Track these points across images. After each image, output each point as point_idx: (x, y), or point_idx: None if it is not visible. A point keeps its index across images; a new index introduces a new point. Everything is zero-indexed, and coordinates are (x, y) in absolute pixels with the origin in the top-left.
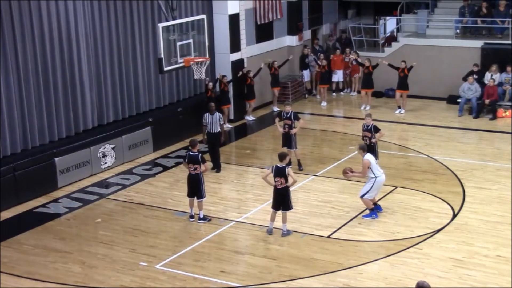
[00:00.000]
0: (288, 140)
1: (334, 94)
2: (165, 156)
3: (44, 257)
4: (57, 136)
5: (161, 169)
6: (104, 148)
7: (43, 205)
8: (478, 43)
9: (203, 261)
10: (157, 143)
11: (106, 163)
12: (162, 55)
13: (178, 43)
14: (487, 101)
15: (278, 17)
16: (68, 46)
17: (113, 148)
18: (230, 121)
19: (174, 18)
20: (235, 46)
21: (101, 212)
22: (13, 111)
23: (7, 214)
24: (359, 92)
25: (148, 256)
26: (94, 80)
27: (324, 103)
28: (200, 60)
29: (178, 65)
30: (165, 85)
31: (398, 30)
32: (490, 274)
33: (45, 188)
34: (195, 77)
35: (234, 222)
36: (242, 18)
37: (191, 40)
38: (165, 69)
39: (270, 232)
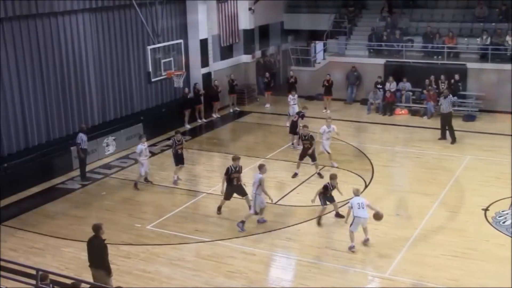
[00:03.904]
0: (311, 155)
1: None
2: (153, 145)
3: (64, 221)
4: (72, 130)
5: (150, 154)
6: (107, 139)
7: (63, 182)
8: (382, 61)
9: (182, 223)
10: (147, 135)
11: (109, 150)
12: (150, 70)
13: (162, 61)
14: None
15: (236, 41)
16: (80, 62)
17: (114, 139)
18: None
19: (159, 42)
20: (204, 62)
21: (106, 187)
22: (38, 112)
23: (36, 189)
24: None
25: (141, 220)
26: (99, 88)
27: (267, 105)
28: (178, 73)
29: (162, 77)
30: (153, 92)
31: (324, 51)
32: (391, 228)
33: (63, 170)
34: (175, 85)
35: (205, 194)
36: (210, 41)
37: (172, 58)
38: (153, 80)
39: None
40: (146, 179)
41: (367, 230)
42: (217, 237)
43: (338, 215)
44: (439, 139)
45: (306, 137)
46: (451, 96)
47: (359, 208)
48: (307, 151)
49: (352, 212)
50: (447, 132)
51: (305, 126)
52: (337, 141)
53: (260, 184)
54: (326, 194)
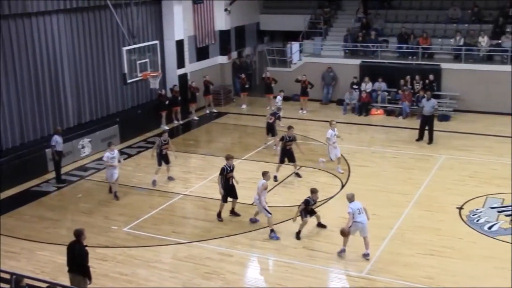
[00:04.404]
0: (291, 156)
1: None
2: (129, 147)
3: (39, 224)
4: (47, 132)
5: (126, 156)
6: (83, 141)
7: (37, 185)
8: (357, 61)
9: (159, 225)
10: (123, 136)
11: (84, 152)
12: (126, 71)
13: (138, 62)
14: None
15: (213, 42)
16: (54, 64)
17: (89, 141)
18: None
19: (134, 43)
20: (180, 63)
21: (82, 190)
22: (12, 114)
23: (11, 192)
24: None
25: (118, 222)
26: (74, 89)
27: (244, 106)
28: (154, 74)
29: (138, 78)
30: (128, 93)
31: (300, 51)
32: (369, 227)
33: (38, 172)
34: (151, 87)
35: (182, 195)
36: (186, 42)
37: (147, 60)
38: (128, 81)
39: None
40: (109, 190)
41: (369, 243)
42: (194, 238)
43: (320, 225)
44: (417, 140)
45: (291, 139)
46: (434, 100)
47: (359, 214)
48: (289, 152)
49: (352, 219)
50: (425, 133)
51: (290, 127)
52: (314, 141)
53: (263, 189)
54: (307, 209)
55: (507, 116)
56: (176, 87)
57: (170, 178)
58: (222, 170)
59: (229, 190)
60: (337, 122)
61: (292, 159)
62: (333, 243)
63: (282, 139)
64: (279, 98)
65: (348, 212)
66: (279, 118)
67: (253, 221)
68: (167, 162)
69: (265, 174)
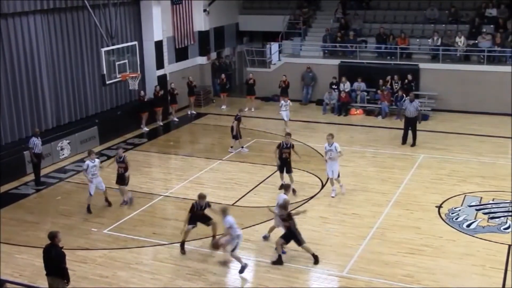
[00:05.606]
0: (288, 165)
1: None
2: (108, 148)
3: (18, 227)
4: (25, 134)
5: (106, 158)
6: (62, 143)
7: (16, 188)
8: (336, 61)
9: (140, 226)
10: (102, 138)
11: (63, 154)
12: (105, 72)
13: (117, 63)
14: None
15: (192, 42)
16: (32, 65)
17: (68, 143)
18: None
19: (113, 44)
20: (160, 64)
21: (61, 192)
22: None
23: None
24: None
25: (98, 224)
26: (53, 91)
27: (223, 106)
28: (133, 75)
29: (116, 80)
30: (107, 94)
31: (280, 52)
32: (348, 227)
33: (16, 175)
34: (130, 88)
35: (162, 196)
36: (165, 43)
37: (126, 61)
38: (107, 82)
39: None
40: (106, 199)
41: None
42: (174, 239)
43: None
44: (403, 144)
45: (288, 146)
46: (417, 101)
47: (237, 227)
48: (285, 161)
49: (232, 232)
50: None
51: (287, 134)
52: (294, 141)
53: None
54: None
55: (484, 115)
56: (158, 88)
57: (124, 203)
58: (192, 207)
59: (198, 219)
60: (316, 122)
61: (288, 170)
62: (314, 243)
63: (278, 146)
64: (282, 103)
65: (228, 228)
66: (239, 119)
67: (266, 237)
68: (122, 182)
69: (287, 188)
